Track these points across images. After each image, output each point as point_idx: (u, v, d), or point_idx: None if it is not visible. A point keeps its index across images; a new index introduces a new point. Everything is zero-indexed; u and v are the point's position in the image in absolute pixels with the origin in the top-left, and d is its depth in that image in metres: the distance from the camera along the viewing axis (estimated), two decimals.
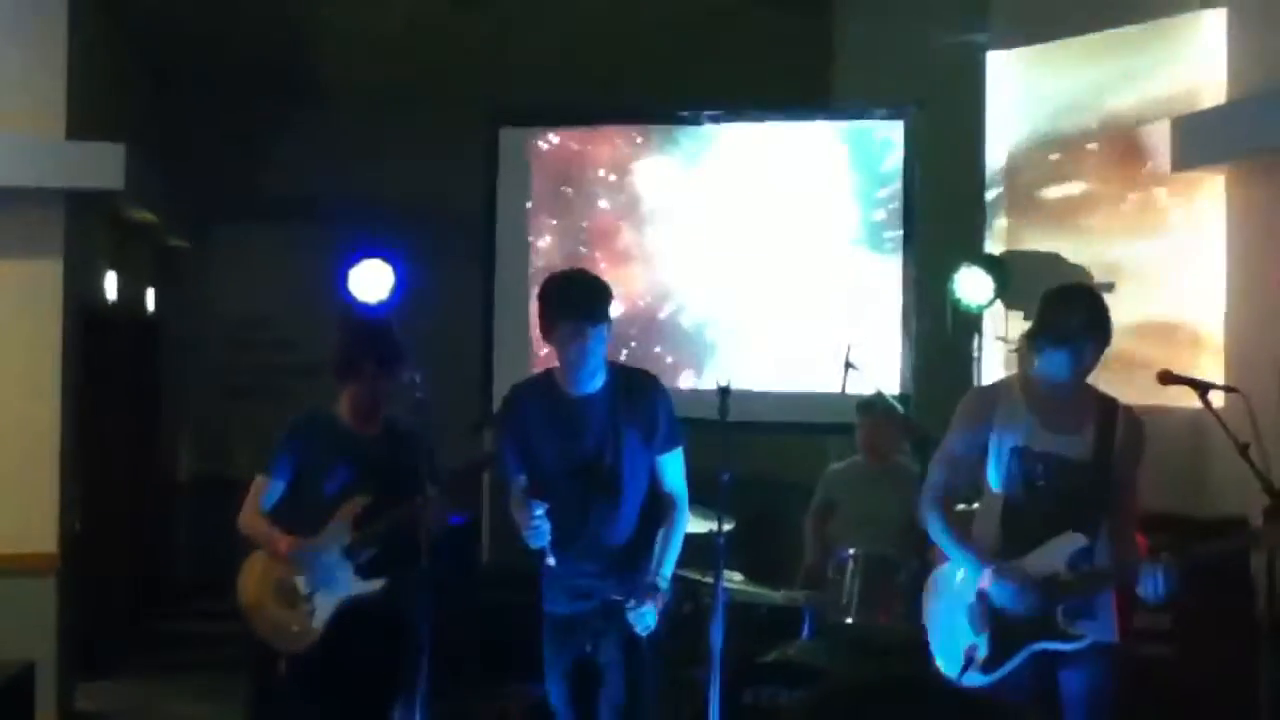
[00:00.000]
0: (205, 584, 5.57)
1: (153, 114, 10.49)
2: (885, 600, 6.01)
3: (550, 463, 4.91)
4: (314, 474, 5.35)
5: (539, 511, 4.75)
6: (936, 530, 4.78)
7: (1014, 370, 6.56)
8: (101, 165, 7.65)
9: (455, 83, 10.04)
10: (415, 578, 5.07)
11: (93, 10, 8.31)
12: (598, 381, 4.93)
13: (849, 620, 6.03)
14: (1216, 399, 4.80)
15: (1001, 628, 4.61)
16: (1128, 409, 4.71)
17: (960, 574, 4.75)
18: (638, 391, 4.96)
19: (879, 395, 6.83)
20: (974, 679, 4.62)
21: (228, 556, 5.58)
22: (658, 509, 4.97)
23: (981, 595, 4.64)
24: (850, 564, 6.07)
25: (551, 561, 4.85)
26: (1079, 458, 4.62)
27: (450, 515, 5.35)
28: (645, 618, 4.85)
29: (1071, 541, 4.56)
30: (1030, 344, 4.85)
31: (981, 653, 4.64)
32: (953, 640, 4.73)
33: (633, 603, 4.85)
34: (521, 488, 4.81)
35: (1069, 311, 4.64)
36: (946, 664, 4.75)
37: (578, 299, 4.85)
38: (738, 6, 9.34)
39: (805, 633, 6.29)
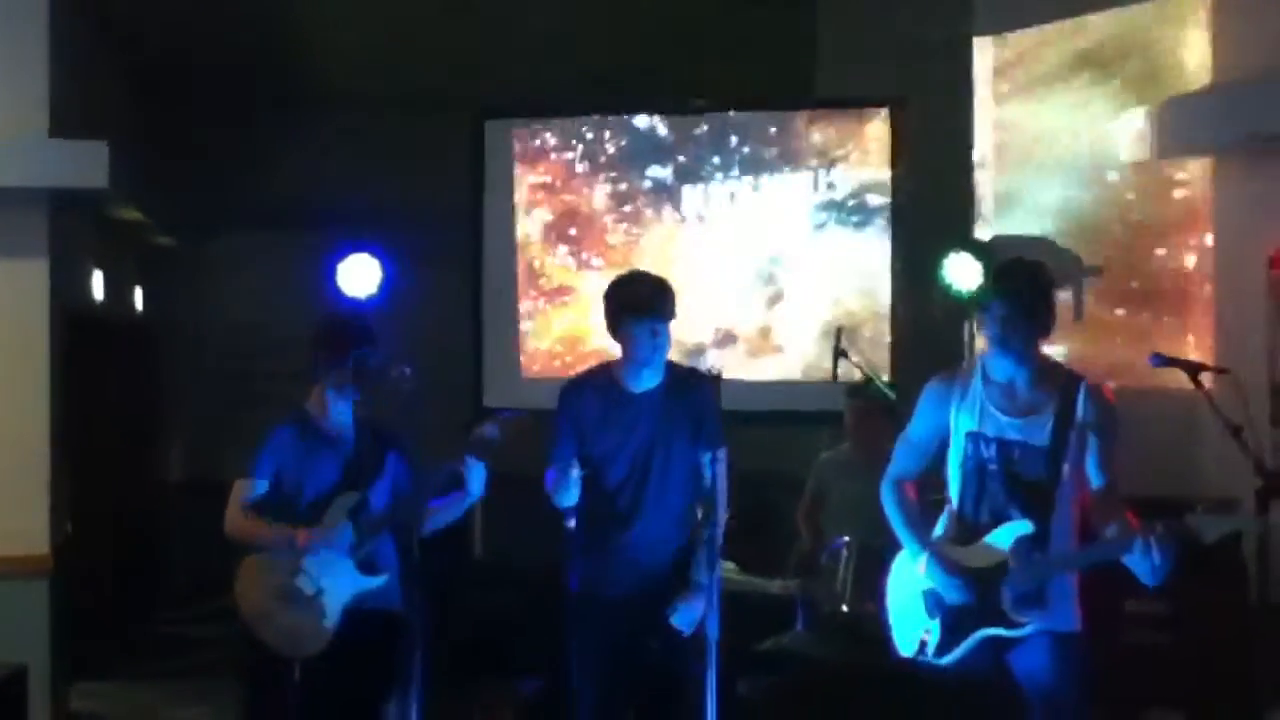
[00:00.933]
0: (198, 587, 5.54)
1: (138, 113, 10.45)
2: (879, 589, 5.99)
3: (604, 455, 5.08)
4: (298, 474, 5.30)
5: (575, 473, 4.92)
6: (891, 514, 4.79)
7: None
8: (85, 164, 7.60)
9: (442, 81, 10.02)
10: (408, 574, 5.06)
11: (75, 9, 8.27)
12: (656, 378, 5.11)
13: (843, 609, 6.02)
14: (1207, 381, 4.80)
15: (950, 613, 4.59)
16: (1096, 387, 4.57)
17: (911, 559, 4.74)
18: (693, 390, 5.08)
19: (869, 380, 6.80)
20: (928, 662, 4.64)
21: (221, 560, 5.53)
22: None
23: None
24: (843, 553, 6.06)
25: (571, 523, 5.03)
26: (1034, 441, 4.53)
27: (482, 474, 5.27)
28: (689, 614, 4.95)
29: (1018, 528, 4.51)
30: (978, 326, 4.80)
31: (934, 638, 4.63)
32: (908, 624, 4.74)
33: (681, 600, 4.96)
34: (574, 477, 4.94)
35: (989, 294, 4.62)
36: (903, 646, 4.76)
37: (652, 298, 5.04)
38: (722, 4, 9.33)
39: (799, 622, 6.28)
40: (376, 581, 5.22)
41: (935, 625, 4.64)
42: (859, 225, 8.20)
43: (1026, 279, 4.62)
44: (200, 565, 5.51)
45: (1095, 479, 4.51)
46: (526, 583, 7.69)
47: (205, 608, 5.49)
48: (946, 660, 4.62)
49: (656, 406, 5.10)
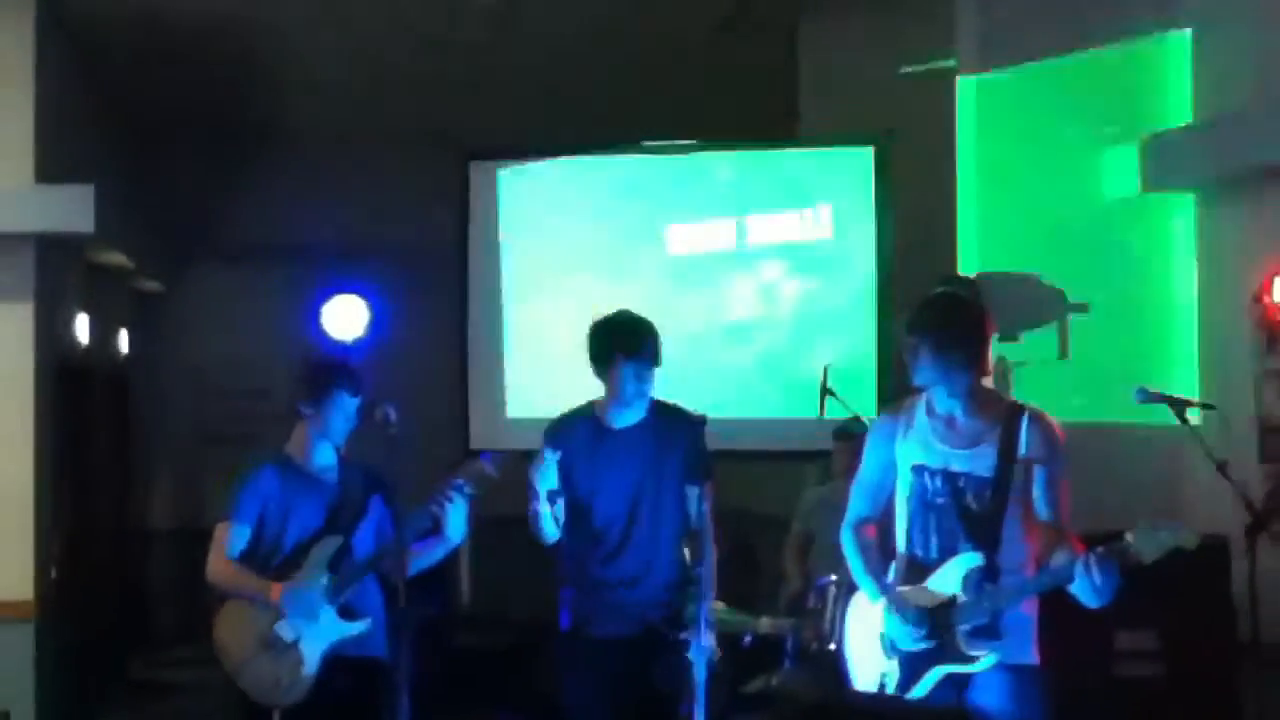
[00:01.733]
0: (184, 632, 5.51)
1: (123, 158, 10.46)
2: None
3: (590, 492, 5.13)
4: (280, 517, 5.26)
5: (552, 457, 5.03)
6: (850, 558, 4.74)
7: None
8: (71, 208, 7.61)
9: (424, 121, 10.05)
10: (393, 619, 5.03)
11: (60, 54, 8.29)
12: (638, 414, 5.18)
13: (831, 648, 5.99)
14: (1193, 417, 4.80)
15: (907, 655, 4.54)
16: (1039, 416, 4.50)
17: (868, 601, 4.70)
18: (677, 426, 5.11)
19: (856, 420, 6.80)
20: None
21: (205, 605, 5.49)
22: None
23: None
24: (831, 591, 6.03)
25: (546, 508, 5.04)
26: (979, 472, 4.47)
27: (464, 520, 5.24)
28: (700, 647, 4.80)
29: (967, 561, 4.46)
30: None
31: (891, 681, 4.58)
32: (867, 664, 4.68)
33: (687, 636, 4.84)
34: (548, 513, 5.04)
35: (915, 315, 4.58)
36: (861, 686, 4.70)
37: (641, 341, 5.16)
38: (704, 40, 9.36)
39: (788, 662, 6.25)
40: (357, 628, 5.19)
41: (894, 664, 4.58)
42: (843, 262, 8.21)
43: (942, 313, 4.58)
44: (185, 610, 5.49)
45: (1041, 509, 4.44)
46: (514, 624, 7.67)
47: (189, 653, 5.45)
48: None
49: (641, 442, 5.15)
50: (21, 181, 7.57)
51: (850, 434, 6.71)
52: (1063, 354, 7.27)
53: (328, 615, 5.18)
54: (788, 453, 8.19)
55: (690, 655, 4.89)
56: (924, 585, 4.52)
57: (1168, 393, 4.89)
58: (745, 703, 6.08)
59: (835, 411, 7.16)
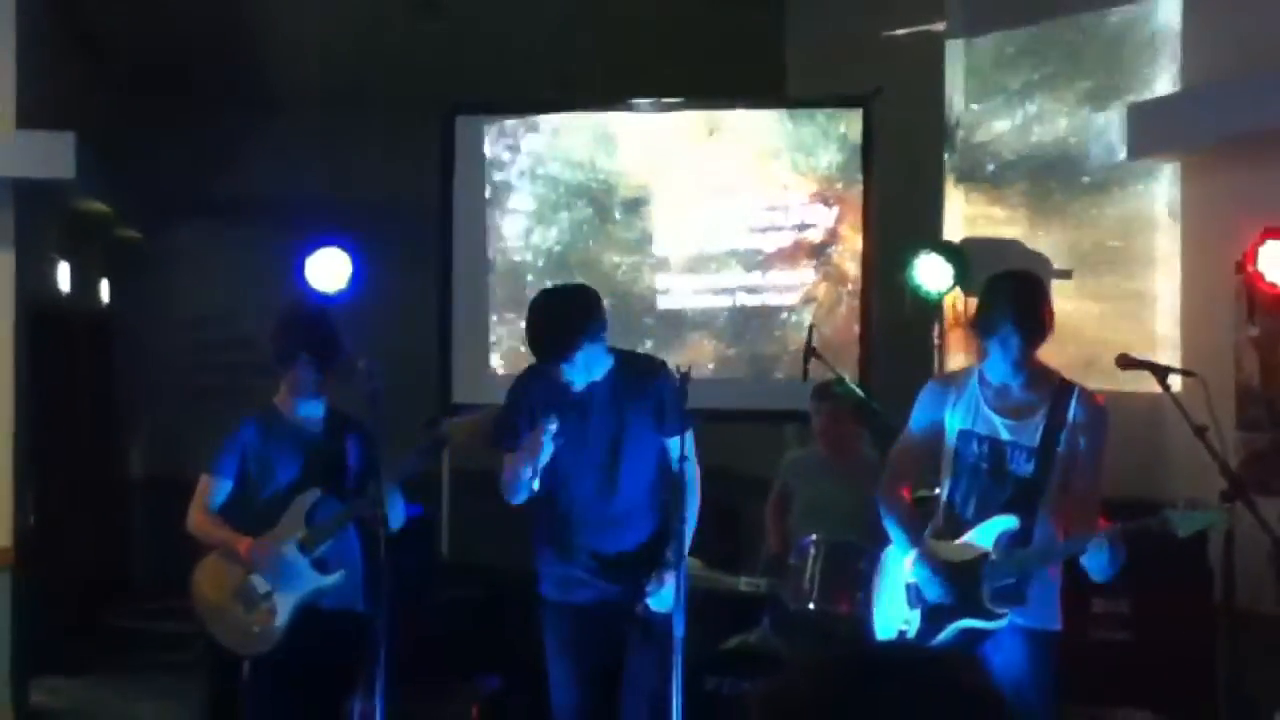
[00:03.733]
0: (163, 583, 5.51)
1: (105, 106, 10.38)
2: (846, 588, 5.99)
3: (559, 452, 4.92)
4: (260, 470, 5.30)
5: (551, 426, 4.82)
6: (884, 511, 4.87)
7: (974, 357, 6.56)
8: (51, 155, 7.54)
9: (410, 77, 9.98)
10: (373, 572, 5.04)
11: (43, 1, 8.21)
12: (598, 372, 4.98)
13: (810, 607, 6.02)
14: (1174, 383, 4.82)
15: (931, 606, 4.69)
16: (1088, 394, 4.72)
17: (896, 553, 4.85)
18: (643, 377, 5.04)
19: (839, 381, 6.78)
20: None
21: (185, 556, 5.51)
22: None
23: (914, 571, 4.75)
24: (811, 551, 6.05)
25: (530, 474, 4.91)
26: (1024, 442, 4.65)
27: (402, 508, 5.26)
28: (661, 597, 4.91)
29: (1003, 523, 4.61)
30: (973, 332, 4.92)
31: (912, 629, 4.72)
32: (889, 617, 4.84)
33: (653, 583, 4.93)
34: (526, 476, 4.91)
35: (993, 303, 4.69)
36: (882, 634, 4.86)
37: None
38: (692, 1, 9.33)
39: (766, 621, 6.27)
40: (330, 580, 5.20)
41: (915, 615, 4.72)
42: (829, 223, 8.20)
43: (1028, 292, 4.70)
44: (164, 561, 5.49)
45: (1079, 483, 4.64)
46: (492, 581, 7.67)
47: (168, 603, 5.47)
48: None
49: (606, 398, 5.00)
50: (2, 127, 7.51)
51: (828, 393, 6.70)
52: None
53: (302, 567, 5.20)
54: (769, 412, 8.20)
55: (651, 602, 4.94)
56: (959, 541, 4.67)
57: (1149, 360, 4.92)
58: (723, 661, 6.10)
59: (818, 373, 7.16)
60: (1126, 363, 4.77)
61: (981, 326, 4.71)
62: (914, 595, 4.75)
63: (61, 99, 8.72)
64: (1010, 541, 4.59)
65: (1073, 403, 4.66)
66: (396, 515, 5.13)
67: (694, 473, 4.96)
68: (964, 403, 4.74)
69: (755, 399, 8.08)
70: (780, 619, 6.21)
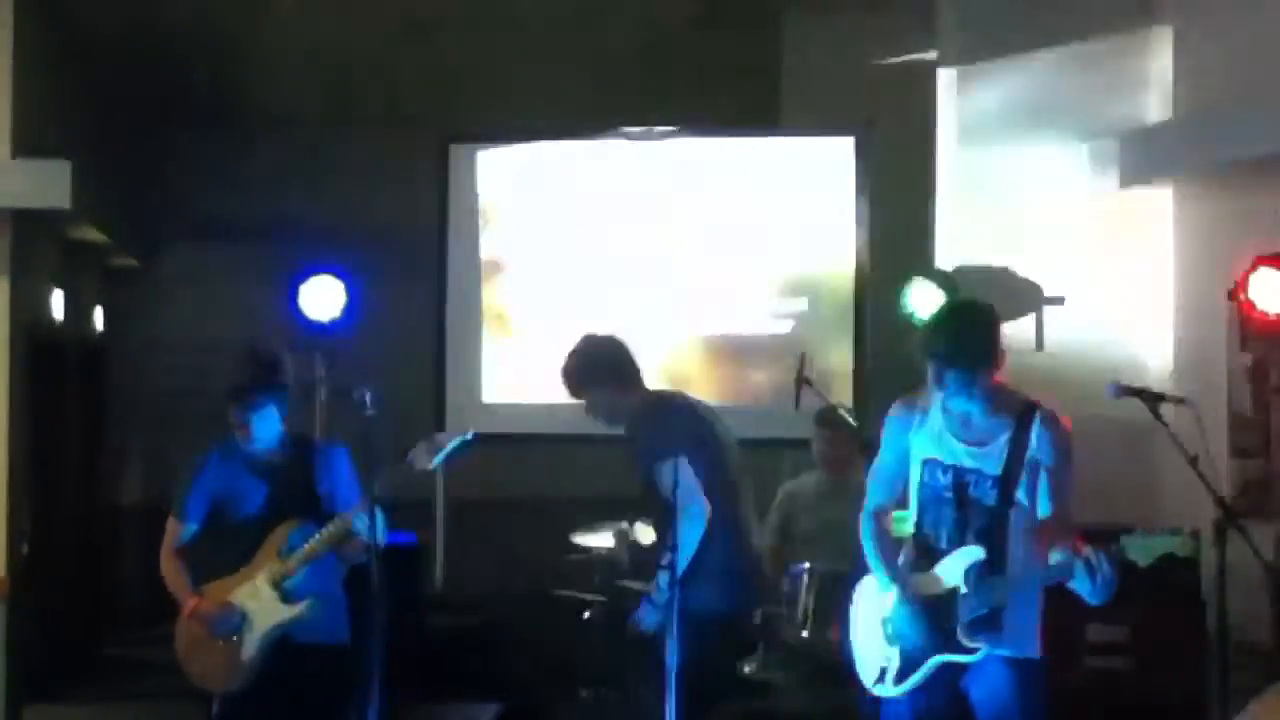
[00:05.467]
0: (158, 611, 5.52)
1: (100, 135, 10.39)
2: (839, 617, 5.98)
3: None
4: (227, 501, 5.30)
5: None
6: (865, 538, 4.81)
7: None
8: (48, 184, 7.56)
9: (404, 102, 10.01)
10: (364, 601, 5.02)
11: (38, 31, 8.23)
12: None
13: (804, 636, 6.01)
14: (1166, 412, 4.82)
15: (908, 642, 4.63)
16: (1050, 414, 4.62)
17: (876, 588, 4.77)
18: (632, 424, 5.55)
19: (834, 409, 6.80)
20: (886, 690, 4.66)
21: None
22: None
23: (893, 607, 4.68)
24: (805, 579, 6.05)
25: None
26: (987, 469, 4.58)
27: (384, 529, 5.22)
28: (642, 617, 5.35)
29: (970, 555, 4.55)
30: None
31: (893, 666, 4.66)
32: (869, 651, 4.76)
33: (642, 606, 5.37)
34: None
35: (936, 334, 4.67)
36: (863, 674, 4.78)
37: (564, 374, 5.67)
38: (685, 30, 9.35)
39: (761, 649, 6.26)
40: (297, 611, 5.16)
41: (894, 653, 4.67)
42: (822, 251, 8.22)
43: (970, 323, 4.66)
44: (159, 588, 5.47)
45: (1045, 505, 4.56)
46: (486, 607, 7.67)
47: (163, 631, 5.45)
48: (905, 688, 4.64)
49: (631, 435, 5.51)
50: None
51: (830, 420, 6.72)
52: (1038, 346, 7.30)
53: (271, 600, 5.17)
54: (761, 441, 8.19)
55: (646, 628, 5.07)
56: (927, 575, 4.62)
57: (1142, 387, 4.92)
58: (719, 688, 6.09)
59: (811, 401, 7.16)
60: (1118, 391, 4.76)
61: (931, 356, 4.67)
62: (891, 632, 4.68)
63: (56, 128, 8.74)
64: (979, 572, 4.52)
65: (1035, 424, 4.58)
66: (381, 533, 5.07)
67: (683, 499, 5.11)
68: (927, 429, 4.68)
69: (748, 427, 8.06)
70: (773, 647, 6.20)
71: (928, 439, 4.67)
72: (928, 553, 4.66)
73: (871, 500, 4.85)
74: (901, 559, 4.75)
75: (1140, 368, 6.98)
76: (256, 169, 10.93)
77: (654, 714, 4.93)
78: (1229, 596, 4.94)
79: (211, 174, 11.07)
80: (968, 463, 4.60)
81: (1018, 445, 4.56)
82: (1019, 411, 4.62)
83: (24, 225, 7.78)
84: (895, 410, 4.84)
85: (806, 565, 6.11)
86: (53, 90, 8.84)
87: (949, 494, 4.62)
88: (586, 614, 6.60)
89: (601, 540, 6.50)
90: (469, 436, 5.23)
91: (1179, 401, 4.98)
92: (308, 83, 10.25)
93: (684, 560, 5.07)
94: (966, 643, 4.53)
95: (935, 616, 4.56)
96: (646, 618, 5.37)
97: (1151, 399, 4.75)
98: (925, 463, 4.66)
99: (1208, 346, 6.68)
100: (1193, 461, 4.58)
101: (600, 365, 5.61)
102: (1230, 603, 4.98)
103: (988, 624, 4.52)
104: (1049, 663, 4.67)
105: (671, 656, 4.82)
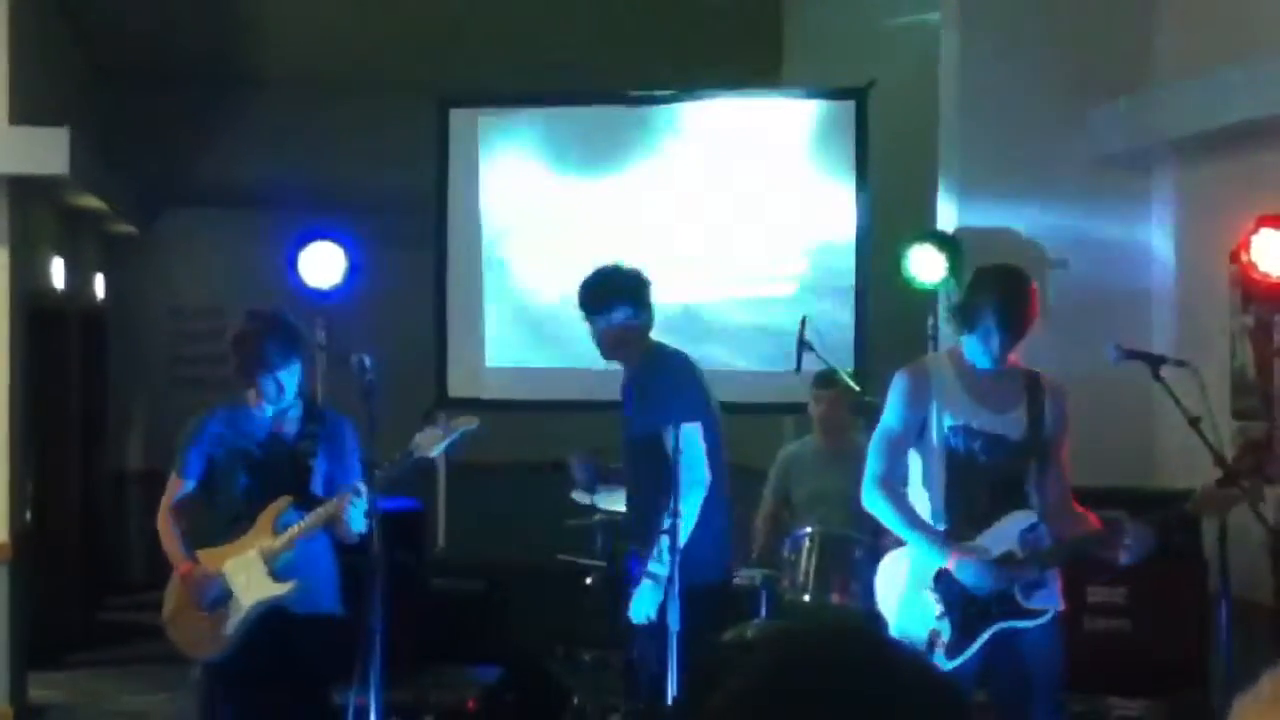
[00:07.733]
0: (159, 576, 5.54)
1: (99, 101, 10.37)
2: (841, 579, 6.00)
3: None
4: (229, 467, 5.28)
5: None
6: (887, 515, 4.74)
7: None
8: (46, 151, 7.53)
9: (404, 66, 9.98)
10: (365, 566, 5.02)
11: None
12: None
13: (805, 599, 6.03)
14: (1168, 374, 4.82)
15: (965, 610, 4.60)
16: (1051, 381, 4.73)
17: (914, 557, 4.72)
18: (656, 369, 5.45)
19: (834, 372, 6.79)
20: (938, 662, 4.57)
21: None
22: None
23: (941, 578, 4.62)
24: (806, 543, 6.06)
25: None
26: (1014, 436, 4.63)
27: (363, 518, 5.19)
28: (639, 605, 5.21)
29: (1022, 519, 4.58)
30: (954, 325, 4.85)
31: (945, 637, 4.63)
32: (914, 625, 4.70)
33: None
34: None
35: (976, 298, 4.66)
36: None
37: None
38: None
39: (762, 612, 6.28)
40: (284, 589, 5.16)
41: (946, 624, 4.63)
42: (824, 213, 8.19)
43: (1013, 288, 4.66)
44: (160, 554, 5.48)
45: (1058, 468, 4.67)
46: (488, 572, 7.68)
47: (161, 596, 5.47)
48: (960, 659, 4.61)
49: (628, 392, 5.50)
50: None
51: (832, 382, 6.71)
52: (1041, 310, 7.27)
53: (259, 575, 5.16)
54: (763, 405, 8.18)
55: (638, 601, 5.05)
56: (982, 540, 4.62)
57: (1143, 350, 4.92)
58: (720, 652, 6.10)
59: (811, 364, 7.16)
60: (1120, 353, 4.77)
61: (964, 320, 4.66)
62: (942, 601, 4.62)
63: (54, 94, 8.72)
64: (1034, 536, 4.58)
65: (1047, 395, 4.67)
66: (358, 519, 5.03)
67: (686, 470, 5.09)
68: (950, 396, 4.68)
69: (750, 392, 8.05)
70: (775, 611, 6.22)
71: (950, 406, 4.66)
72: (960, 520, 4.64)
73: (879, 467, 4.79)
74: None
75: (1142, 330, 6.96)
76: (255, 135, 10.91)
77: (656, 678, 4.95)
78: (1230, 557, 4.96)
79: (210, 140, 11.05)
80: (997, 428, 4.65)
81: (1034, 410, 4.64)
82: (1025, 380, 4.67)
83: (22, 193, 7.75)
84: (906, 376, 4.78)
85: (808, 529, 6.12)
86: (50, 57, 8.80)
87: (982, 458, 4.63)
88: (588, 579, 6.61)
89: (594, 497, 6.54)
90: (473, 427, 5.18)
91: (1180, 364, 4.98)
92: (307, 47, 10.21)
93: (686, 529, 5.04)
94: (1028, 606, 4.58)
95: (995, 584, 4.55)
96: (643, 604, 5.13)
97: (1153, 361, 4.76)
98: (952, 429, 4.65)
99: (1209, 309, 6.66)
100: (1194, 423, 4.58)
101: (623, 293, 5.42)
102: (1231, 564, 5.00)
103: (1038, 585, 4.59)
104: None
105: (674, 620, 4.82)
